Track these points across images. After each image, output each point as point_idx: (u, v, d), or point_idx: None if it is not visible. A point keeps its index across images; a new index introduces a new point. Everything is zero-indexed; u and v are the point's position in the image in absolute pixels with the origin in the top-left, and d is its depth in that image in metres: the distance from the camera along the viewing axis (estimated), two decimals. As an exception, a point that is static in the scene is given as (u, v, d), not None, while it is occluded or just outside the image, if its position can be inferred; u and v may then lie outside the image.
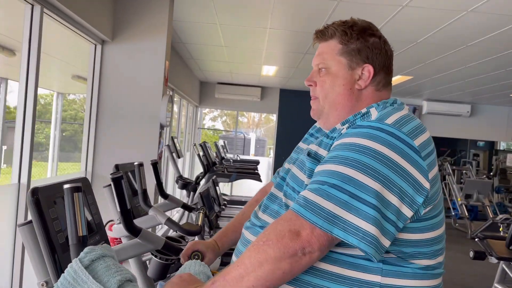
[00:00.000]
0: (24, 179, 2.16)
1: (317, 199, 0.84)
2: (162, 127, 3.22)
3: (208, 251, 1.23)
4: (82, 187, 1.15)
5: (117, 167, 1.74)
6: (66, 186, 0.89)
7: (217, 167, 5.63)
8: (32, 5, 2.22)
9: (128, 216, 1.25)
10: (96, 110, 3.13)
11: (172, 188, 5.91)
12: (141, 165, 1.69)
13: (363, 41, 1.03)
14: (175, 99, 6.03)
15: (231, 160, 6.61)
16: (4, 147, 12.04)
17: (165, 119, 3.14)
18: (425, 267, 0.92)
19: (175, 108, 6.34)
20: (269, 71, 6.36)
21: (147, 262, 1.76)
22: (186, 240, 1.72)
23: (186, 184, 4.03)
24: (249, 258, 0.84)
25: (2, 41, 4.45)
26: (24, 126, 2.22)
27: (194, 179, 4.26)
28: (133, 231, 1.27)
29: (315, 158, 0.97)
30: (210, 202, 2.98)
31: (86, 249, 0.86)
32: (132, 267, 1.76)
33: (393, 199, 0.84)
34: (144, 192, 1.69)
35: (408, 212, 0.86)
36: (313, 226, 0.82)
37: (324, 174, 0.87)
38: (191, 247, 1.22)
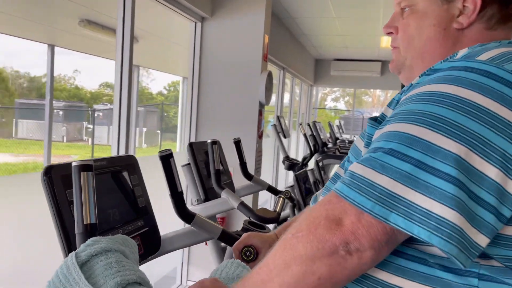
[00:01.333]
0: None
1: (367, 172, 0.56)
2: (261, 105, 3.06)
3: (264, 247, 1.00)
4: (123, 166, 1.03)
5: (191, 145, 1.62)
6: (74, 163, 0.76)
7: (329, 148, 5.34)
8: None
9: (178, 199, 1.10)
10: (197, 87, 3.12)
11: (273, 169, 5.73)
12: (214, 143, 1.54)
13: None
14: (286, 79, 5.86)
15: (347, 141, 6.23)
16: (144, 129, 13.40)
17: (264, 97, 2.98)
18: None
19: (287, 87, 6.18)
20: (389, 42, 5.74)
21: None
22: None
23: (292, 165, 3.86)
24: (274, 257, 0.60)
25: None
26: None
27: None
28: (185, 216, 1.11)
29: (376, 121, 0.70)
30: (309, 185, 2.75)
31: (88, 241, 0.71)
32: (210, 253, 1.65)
33: (490, 170, 0.53)
34: (217, 172, 1.53)
35: None
36: (360, 211, 0.55)
37: (381, 138, 0.59)
38: (243, 241, 0.99)
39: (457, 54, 0.67)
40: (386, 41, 5.77)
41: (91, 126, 13.01)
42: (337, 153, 4.98)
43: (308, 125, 4.61)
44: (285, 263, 0.58)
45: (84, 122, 13.52)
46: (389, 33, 0.82)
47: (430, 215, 0.52)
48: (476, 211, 0.53)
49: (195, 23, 3.08)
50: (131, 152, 2.40)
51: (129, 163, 1.06)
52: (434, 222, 0.52)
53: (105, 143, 12.64)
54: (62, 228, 0.79)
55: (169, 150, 1.10)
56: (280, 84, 5.58)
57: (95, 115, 13.18)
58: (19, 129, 13.12)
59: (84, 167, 0.75)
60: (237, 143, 1.83)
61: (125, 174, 1.03)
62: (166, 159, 1.08)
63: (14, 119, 13.12)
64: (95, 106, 14.60)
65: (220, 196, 1.54)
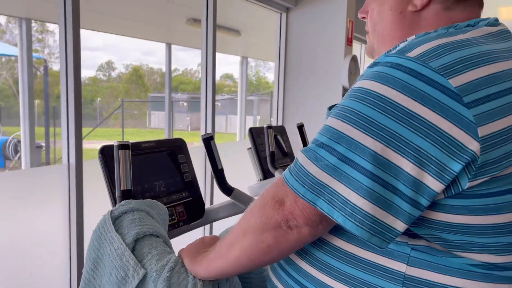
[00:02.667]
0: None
1: (304, 161, 0.65)
2: (345, 89, 3.09)
3: None
4: (173, 147, 1.25)
5: (251, 130, 1.79)
6: (115, 143, 0.99)
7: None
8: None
9: (219, 175, 1.29)
10: (283, 74, 3.27)
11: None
12: (269, 127, 1.68)
13: None
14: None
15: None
16: (258, 117, 13.98)
17: (347, 81, 3.00)
18: (487, 265, 0.62)
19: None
20: (510, 12, 5.11)
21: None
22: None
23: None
24: (237, 225, 0.75)
25: (228, 24, 5.13)
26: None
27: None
28: (225, 190, 1.29)
29: (331, 109, 0.76)
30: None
31: (122, 202, 0.94)
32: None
33: (405, 164, 0.58)
34: (272, 154, 1.68)
35: (435, 184, 0.58)
36: (296, 195, 0.65)
37: (320, 131, 0.67)
38: None
39: (398, 46, 0.69)
40: (506, 12, 5.14)
41: (211, 116, 14.06)
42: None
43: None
44: (243, 232, 0.72)
45: (205, 112, 14.66)
46: (363, 18, 0.86)
47: (347, 203, 0.60)
48: (393, 200, 0.59)
49: (280, 14, 3.22)
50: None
51: (178, 145, 1.27)
52: (350, 209, 0.60)
53: (223, 131, 13.63)
54: (111, 192, 1.04)
55: (210, 133, 1.29)
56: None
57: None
58: (152, 120, 14.86)
59: (122, 146, 0.98)
60: (300, 127, 1.95)
61: (173, 154, 1.25)
62: (208, 141, 1.27)
63: (148, 111, 14.93)
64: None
65: (274, 176, 1.69)
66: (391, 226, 0.59)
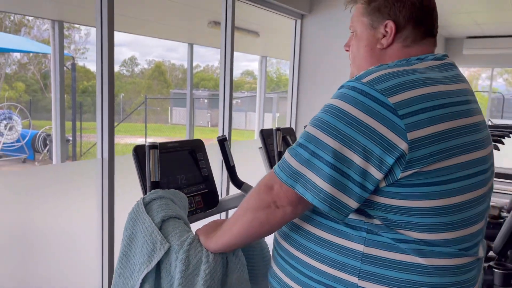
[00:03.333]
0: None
1: (287, 157, 0.88)
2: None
3: None
4: (193, 147, 1.49)
5: (261, 131, 2.01)
6: (147, 144, 1.23)
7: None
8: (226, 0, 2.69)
9: (231, 171, 1.51)
10: (297, 77, 3.48)
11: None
12: (278, 129, 1.90)
13: None
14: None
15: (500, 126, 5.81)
16: (277, 114, 14.13)
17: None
18: (420, 241, 0.82)
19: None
20: (526, 16, 5.15)
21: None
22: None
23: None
24: (240, 206, 0.97)
25: (247, 26, 5.35)
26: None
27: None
28: (236, 183, 1.52)
29: None
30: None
31: (152, 191, 1.18)
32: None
33: (356, 158, 0.80)
34: (279, 153, 1.89)
35: (376, 173, 0.81)
36: (281, 182, 0.87)
37: (301, 134, 0.90)
38: None
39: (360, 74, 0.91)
40: None
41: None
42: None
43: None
44: (243, 211, 0.94)
45: (225, 109, 14.94)
46: (346, 50, 1.07)
47: (315, 186, 0.83)
48: (348, 185, 0.81)
49: (295, 20, 3.42)
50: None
51: (196, 145, 1.51)
52: (317, 190, 0.82)
53: (243, 127, 13.88)
54: (143, 184, 1.27)
55: (224, 135, 1.51)
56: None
57: (234, 102, 14.43)
58: (174, 115, 15.24)
59: (152, 146, 1.21)
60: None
61: (193, 152, 1.48)
62: (222, 142, 1.50)
63: (169, 107, 15.32)
64: (234, 94, 15.92)
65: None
66: (346, 203, 0.82)
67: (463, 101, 0.88)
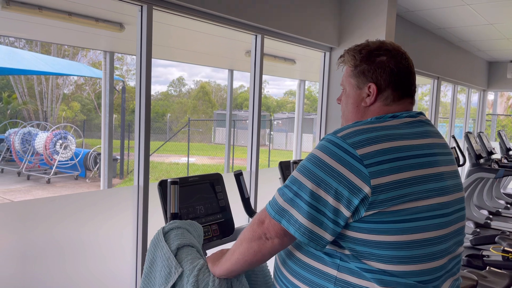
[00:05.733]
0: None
1: (276, 195, 1.06)
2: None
3: None
4: (212, 180, 1.67)
5: (280, 164, 2.17)
6: (168, 180, 1.43)
7: (487, 159, 5.00)
8: (256, 35, 2.91)
9: (246, 202, 1.68)
10: (326, 106, 3.61)
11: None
12: (295, 162, 2.06)
13: (369, 63, 1.11)
14: (441, 87, 5.70)
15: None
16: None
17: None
18: (382, 271, 0.96)
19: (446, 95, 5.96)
20: None
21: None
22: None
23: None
24: (239, 236, 1.14)
25: (283, 54, 5.57)
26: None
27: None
28: (250, 213, 1.69)
29: None
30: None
31: (171, 221, 1.37)
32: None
33: (329, 198, 0.96)
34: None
35: (345, 212, 0.95)
36: (270, 217, 1.04)
37: (289, 177, 1.06)
38: None
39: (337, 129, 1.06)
40: None
41: (272, 133, 14.57)
42: (493, 166, 4.67)
43: (467, 135, 4.53)
44: (240, 241, 1.11)
45: (266, 129, 15.22)
46: (338, 103, 1.23)
47: (296, 221, 0.98)
48: (323, 220, 0.96)
49: (325, 52, 3.58)
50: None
51: (215, 178, 1.69)
52: (298, 225, 0.98)
53: (283, 148, 14.06)
54: (165, 214, 1.47)
55: (240, 170, 1.69)
56: (434, 94, 5.50)
57: (275, 123, 14.66)
58: (216, 135, 15.67)
59: (173, 182, 1.41)
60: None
61: (212, 185, 1.67)
62: (237, 176, 1.68)
63: (213, 127, 15.79)
64: (275, 115, 16.18)
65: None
66: (322, 236, 0.97)
67: (427, 153, 1.02)
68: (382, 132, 1.00)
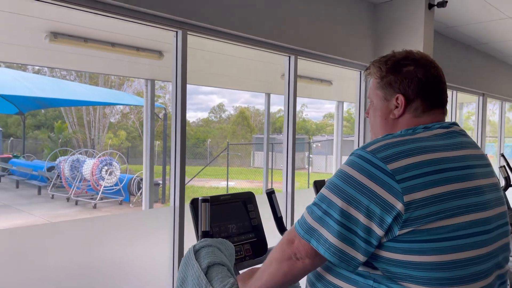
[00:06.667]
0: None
1: (305, 214, 1.02)
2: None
3: None
4: (245, 198, 1.67)
5: (315, 183, 2.13)
6: (200, 198, 1.43)
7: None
8: (289, 56, 2.93)
9: (279, 221, 1.66)
10: (363, 126, 3.54)
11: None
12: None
13: (396, 74, 1.08)
14: (489, 104, 5.46)
15: None
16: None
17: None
18: None
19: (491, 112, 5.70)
20: None
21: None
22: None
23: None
24: (268, 257, 1.11)
25: (320, 76, 5.57)
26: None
27: None
28: (282, 232, 1.65)
29: None
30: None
31: (202, 239, 1.37)
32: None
33: (360, 217, 0.91)
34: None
35: (378, 230, 0.91)
36: (299, 237, 1.00)
37: (317, 194, 1.03)
38: None
39: (366, 143, 1.03)
40: None
41: (311, 156, 14.45)
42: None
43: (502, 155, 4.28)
44: (270, 262, 1.08)
45: (305, 152, 15.12)
46: (367, 116, 1.20)
47: (326, 241, 0.94)
48: (354, 240, 0.92)
49: (360, 71, 3.54)
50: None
51: (248, 197, 1.68)
52: (328, 244, 0.94)
53: (323, 171, 13.87)
54: (196, 232, 1.47)
55: (272, 189, 1.67)
56: (480, 111, 5.28)
57: (314, 145, 14.54)
58: (256, 159, 15.74)
59: (204, 200, 1.42)
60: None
61: (244, 203, 1.66)
62: (269, 194, 1.66)
63: (252, 151, 15.89)
64: (314, 137, 16.07)
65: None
66: (354, 257, 0.93)
67: (463, 166, 0.96)
68: (414, 145, 0.95)
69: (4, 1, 2.67)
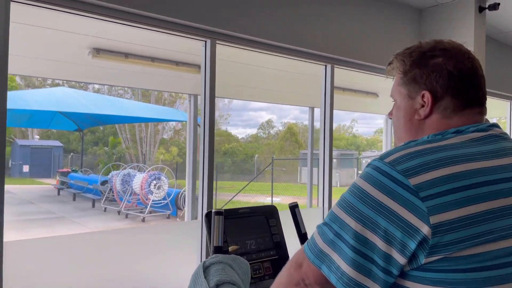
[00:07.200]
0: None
1: (315, 234, 0.88)
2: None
3: None
4: (267, 213, 1.56)
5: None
6: (213, 211, 1.34)
7: None
8: (325, 65, 2.81)
9: (302, 237, 1.52)
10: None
11: None
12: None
13: (421, 67, 0.93)
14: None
15: None
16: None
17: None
18: None
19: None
20: None
21: None
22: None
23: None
24: (276, 279, 0.99)
25: (365, 88, 5.37)
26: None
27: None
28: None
29: None
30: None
31: (213, 255, 1.27)
32: None
33: (378, 242, 0.76)
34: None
35: (400, 258, 0.75)
36: (309, 261, 0.87)
37: (328, 213, 0.89)
38: None
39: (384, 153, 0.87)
40: None
41: (360, 172, 14.02)
42: None
43: None
44: (276, 285, 0.96)
45: (354, 168, 14.68)
46: (390, 118, 1.05)
47: (338, 268, 0.80)
48: (371, 269, 0.77)
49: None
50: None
51: (270, 211, 1.57)
52: (340, 273, 0.80)
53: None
54: (210, 247, 1.38)
55: (296, 202, 1.55)
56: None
57: (363, 161, 14.10)
58: (302, 175, 15.49)
59: (217, 212, 1.32)
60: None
61: (266, 218, 1.55)
62: (293, 209, 1.53)
63: (298, 167, 15.69)
64: (364, 153, 15.60)
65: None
66: None
67: (505, 178, 0.78)
68: (442, 154, 0.79)
69: (50, 19, 2.78)
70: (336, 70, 2.85)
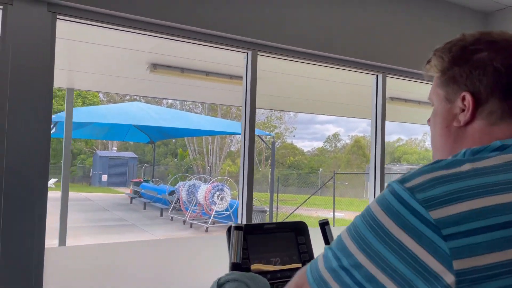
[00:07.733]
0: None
1: (319, 260, 0.78)
2: None
3: None
4: (295, 229, 1.49)
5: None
6: (232, 225, 1.30)
7: None
8: (377, 75, 2.68)
9: (332, 259, 1.43)
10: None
11: None
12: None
13: (462, 63, 0.78)
14: None
15: None
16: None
17: None
18: None
19: None
20: None
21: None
22: None
23: None
24: None
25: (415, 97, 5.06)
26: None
27: None
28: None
29: None
30: None
31: (229, 272, 1.22)
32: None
33: (386, 281, 0.63)
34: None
35: None
36: (308, 285, 0.79)
37: (337, 236, 0.80)
38: None
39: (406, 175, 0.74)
40: None
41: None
42: None
43: None
44: None
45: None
46: (428, 124, 0.89)
47: None
48: None
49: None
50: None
51: (299, 227, 1.49)
52: None
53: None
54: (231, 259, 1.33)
55: (326, 219, 1.46)
56: None
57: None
58: (368, 190, 14.93)
59: (237, 227, 1.28)
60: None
61: (295, 234, 1.47)
62: (323, 226, 1.44)
63: (364, 182, 15.11)
64: (412, 166, 14.71)
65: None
66: None
67: None
68: (476, 181, 0.63)
69: (113, 37, 2.96)
70: (397, 81, 2.70)
